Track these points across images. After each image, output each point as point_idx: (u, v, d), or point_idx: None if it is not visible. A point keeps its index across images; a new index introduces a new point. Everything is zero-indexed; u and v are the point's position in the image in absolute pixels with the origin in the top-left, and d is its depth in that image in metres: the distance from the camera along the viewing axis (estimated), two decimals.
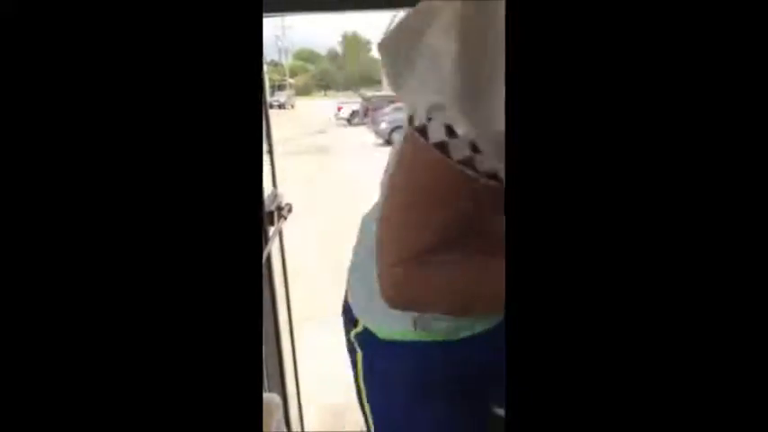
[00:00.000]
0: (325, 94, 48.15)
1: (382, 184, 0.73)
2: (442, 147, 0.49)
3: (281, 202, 1.35)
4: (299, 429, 1.64)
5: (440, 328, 0.68)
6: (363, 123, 15.53)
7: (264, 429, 1.14)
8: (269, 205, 1.28)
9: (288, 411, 1.42)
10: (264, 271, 1.34)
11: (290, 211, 1.38)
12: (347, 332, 0.77)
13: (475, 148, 0.48)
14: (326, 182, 7.48)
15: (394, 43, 0.54)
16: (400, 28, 0.53)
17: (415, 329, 0.67)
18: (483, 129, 0.48)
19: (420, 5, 0.51)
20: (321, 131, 15.20)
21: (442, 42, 0.47)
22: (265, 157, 1.34)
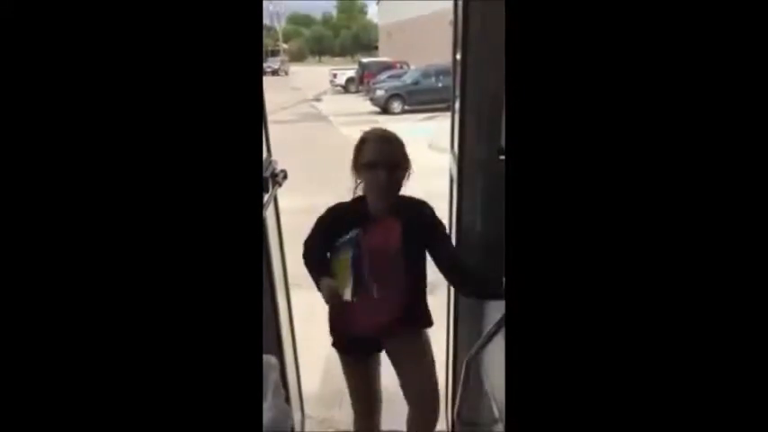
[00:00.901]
0: (320, 60, 46.98)
1: None
2: None
3: (275, 169, 1.35)
4: (297, 389, 1.69)
5: None
6: (360, 91, 15.25)
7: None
8: (263, 172, 1.28)
9: (285, 372, 1.46)
10: None
11: (284, 177, 1.38)
12: None
13: None
14: (324, 150, 7.41)
15: None
16: None
17: None
18: None
19: None
20: (317, 99, 14.93)
21: None
22: None
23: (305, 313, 1.73)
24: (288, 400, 1.48)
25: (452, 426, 1.64)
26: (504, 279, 1.10)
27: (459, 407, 1.33)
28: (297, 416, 1.65)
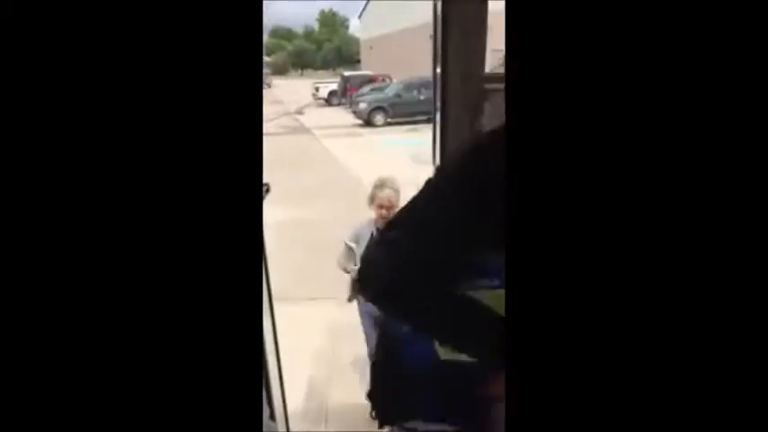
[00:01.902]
0: (302, 74, 47.14)
1: None
2: None
3: None
4: (281, 405, 1.66)
5: None
6: (342, 104, 15.32)
7: None
8: None
9: (270, 388, 1.43)
10: None
11: (267, 191, 1.37)
12: None
13: None
14: (307, 163, 7.40)
15: None
16: None
17: None
18: None
19: None
20: (299, 112, 14.95)
21: None
22: None
23: (289, 328, 1.71)
24: (273, 416, 1.45)
25: None
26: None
27: None
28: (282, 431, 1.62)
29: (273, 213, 1.94)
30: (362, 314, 1.87)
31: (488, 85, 1.20)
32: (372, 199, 1.81)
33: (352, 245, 1.81)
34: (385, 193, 1.77)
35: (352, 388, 1.94)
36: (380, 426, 0.86)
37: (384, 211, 1.75)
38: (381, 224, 1.73)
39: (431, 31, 1.43)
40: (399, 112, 11.23)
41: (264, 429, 1.01)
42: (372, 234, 1.77)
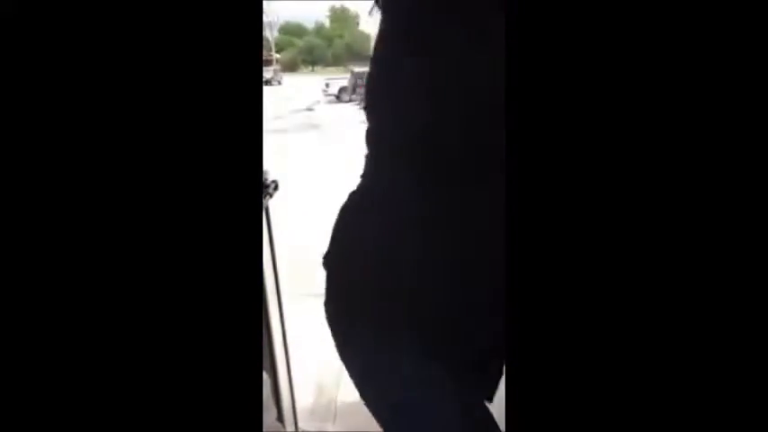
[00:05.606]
0: (313, 70, 47.33)
1: None
2: None
3: (266, 179, 1.33)
4: (290, 404, 1.66)
5: None
6: (353, 100, 15.32)
7: None
8: None
9: (278, 387, 1.43)
10: None
11: (276, 188, 1.37)
12: None
13: None
14: (318, 160, 7.43)
15: None
16: None
17: None
18: None
19: None
20: (310, 109, 14.98)
21: None
22: None
23: (297, 325, 1.71)
24: (281, 416, 1.45)
25: None
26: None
27: None
28: (290, 430, 1.62)
29: (284, 211, 1.93)
30: None
31: None
32: None
33: None
34: None
35: None
36: None
37: None
38: None
39: None
40: None
41: (269, 430, 1.00)
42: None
